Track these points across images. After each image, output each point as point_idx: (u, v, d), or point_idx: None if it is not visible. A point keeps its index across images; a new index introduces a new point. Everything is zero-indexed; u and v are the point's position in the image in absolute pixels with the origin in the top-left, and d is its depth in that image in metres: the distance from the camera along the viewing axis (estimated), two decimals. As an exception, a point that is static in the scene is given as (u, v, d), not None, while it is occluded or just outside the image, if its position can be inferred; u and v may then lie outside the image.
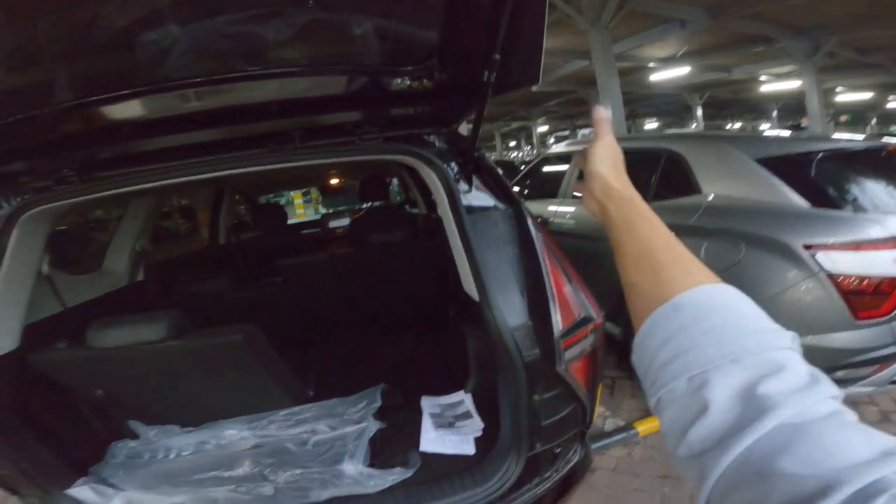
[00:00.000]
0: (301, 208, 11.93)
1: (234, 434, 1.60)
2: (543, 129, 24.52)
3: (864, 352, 1.89)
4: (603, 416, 2.53)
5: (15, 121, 1.09)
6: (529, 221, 1.33)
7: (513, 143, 34.03)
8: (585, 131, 23.04)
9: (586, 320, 1.26)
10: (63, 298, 1.75)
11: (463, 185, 1.35)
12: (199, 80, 1.11)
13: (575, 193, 0.57)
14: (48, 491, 1.32)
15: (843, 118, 22.89)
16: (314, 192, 8.59)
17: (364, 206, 4.58)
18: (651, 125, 25.81)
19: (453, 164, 1.36)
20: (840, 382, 1.94)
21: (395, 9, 1.09)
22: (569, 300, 1.26)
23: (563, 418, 1.30)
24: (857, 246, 1.87)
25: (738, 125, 25.91)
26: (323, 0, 1.01)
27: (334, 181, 5.17)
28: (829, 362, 1.92)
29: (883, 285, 1.85)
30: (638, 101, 18.59)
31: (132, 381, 1.56)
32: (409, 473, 1.39)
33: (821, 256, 1.89)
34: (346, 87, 1.25)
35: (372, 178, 3.67)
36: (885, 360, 1.91)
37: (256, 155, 1.35)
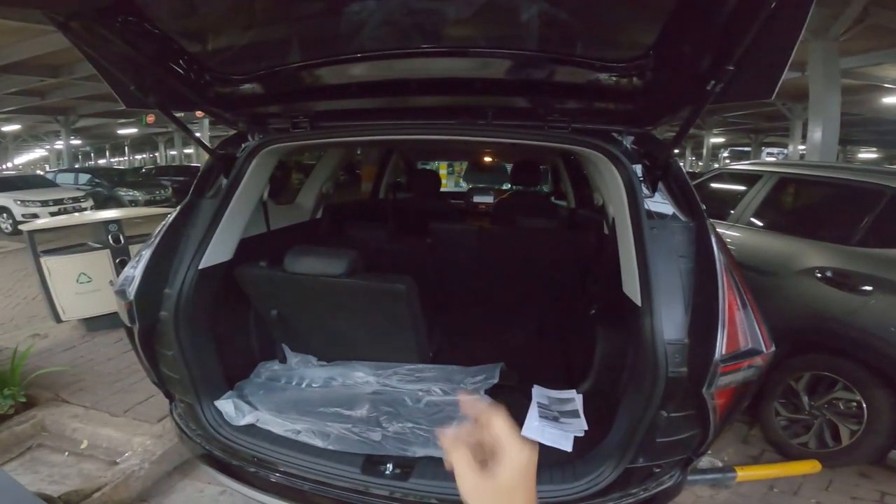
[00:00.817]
0: (445, 178, 12.58)
1: (361, 377, 1.75)
2: (718, 139, 21.50)
3: None
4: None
5: (266, 73, 1.34)
6: (714, 239, 1.24)
7: (675, 151, 30.63)
8: (772, 150, 19.65)
9: (753, 352, 1.19)
10: (270, 223, 2.07)
11: (646, 190, 1.31)
12: (408, 51, 1.21)
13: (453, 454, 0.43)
14: (201, 399, 1.51)
15: None
16: (458, 166, 8.89)
17: (506, 187, 4.60)
18: (867, 155, 20.85)
19: (642, 166, 1.33)
20: None
21: (615, 2, 1.06)
22: (738, 326, 1.18)
23: (678, 441, 1.27)
24: None
25: None
26: None
27: (488, 159, 5.28)
28: None
29: None
30: (854, 126, 15.09)
31: (302, 308, 1.76)
32: None
33: None
34: (547, 75, 1.27)
35: (526, 163, 3.66)
36: None
37: (450, 125, 1.43)
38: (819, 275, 2.26)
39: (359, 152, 4.74)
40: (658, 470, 1.31)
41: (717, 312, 1.15)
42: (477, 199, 4.32)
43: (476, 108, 1.41)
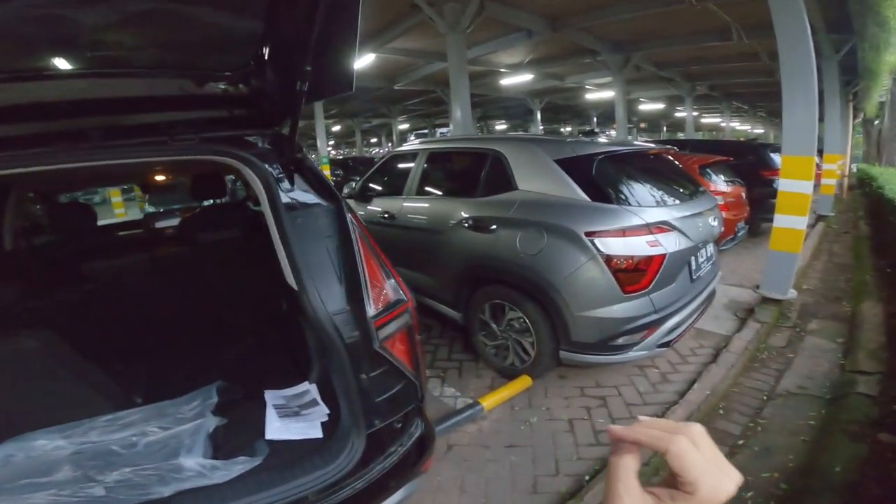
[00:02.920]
0: (121, 207, 10.22)
1: (46, 444, 1.42)
2: (404, 126, 24.94)
3: (633, 320, 2.37)
4: (454, 397, 2.75)
5: None
6: (349, 216, 1.41)
7: (374, 140, 34.05)
8: (444, 130, 24.15)
9: (398, 302, 1.40)
10: None
11: (286, 184, 1.39)
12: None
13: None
14: None
15: (643, 125, 28.12)
16: (137, 190, 7.41)
17: (200, 203, 4.12)
18: (501, 127, 28.19)
19: (276, 165, 1.39)
20: (623, 347, 2.42)
21: (217, 12, 1.11)
22: (380, 285, 1.37)
23: (395, 395, 1.40)
24: (623, 232, 2.32)
25: (568, 129, 29.82)
26: None
27: (160, 178, 4.51)
28: (612, 330, 2.36)
29: (641, 264, 2.32)
30: (489, 104, 20.11)
31: None
32: (256, 461, 1.37)
33: (597, 241, 2.29)
34: (161, 88, 1.26)
35: (205, 175, 3.32)
36: (650, 327, 2.42)
37: (49, 153, 1.23)
38: (466, 224, 2.91)
39: None
40: (400, 425, 1.43)
41: (359, 278, 1.31)
42: (159, 223, 3.69)
43: (80, 132, 1.28)
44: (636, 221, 2.35)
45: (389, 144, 28.15)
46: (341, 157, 20.56)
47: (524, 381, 2.74)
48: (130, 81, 1.22)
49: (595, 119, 25.59)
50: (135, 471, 1.33)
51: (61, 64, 1.12)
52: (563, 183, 2.55)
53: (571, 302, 2.38)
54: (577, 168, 2.60)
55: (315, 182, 1.46)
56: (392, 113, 19.91)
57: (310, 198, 1.43)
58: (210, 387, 1.69)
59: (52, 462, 1.37)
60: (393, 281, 1.43)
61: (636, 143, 3.57)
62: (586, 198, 2.47)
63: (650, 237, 2.34)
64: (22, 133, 1.26)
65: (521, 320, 2.65)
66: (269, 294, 2.21)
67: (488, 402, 2.58)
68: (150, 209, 6.16)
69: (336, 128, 24.49)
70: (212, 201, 3.83)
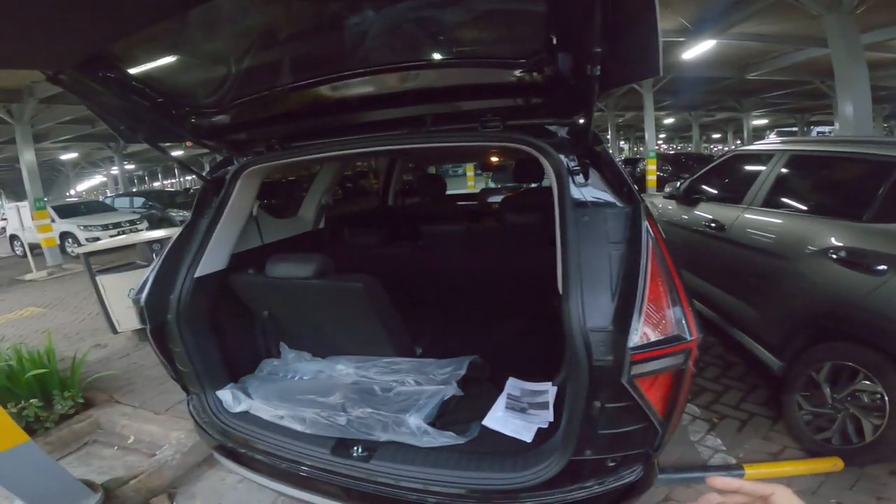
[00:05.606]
0: (472, 180, 12.91)
1: (342, 369, 1.90)
2: (760, 122, 20.33)
3: None
4: (714, 449, 2.29)
5: (244, 101, 1.53)
6: (645, 224, 1.23)
7: (717, 136, 29.29)
8: (822, 129, 18.33)
9: (676, 339, 1.15)
10: (263, 236, 2.24)
11: (579, 178, 1.32)
12: (359, 71, 1.35)
13: None
14: (205, 389, 1.73)
15: None
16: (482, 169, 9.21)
17: (524, 185, 4.67)
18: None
19: (572, 156, 1.34)
20: None
21: (511, 4, 1.15)
22: (661, 312, 1.15)
23: (625, 434, 1.24)
24: None
25: None
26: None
27: (494, 159, 5.40)
28: None
29: None
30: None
31: (286, 308, 1.94)
32: (460, 441, 1.47)
33: None
34: (470, 78, 1.35)
35: (525, 161, 3.73)
36: None
37: (396, 135, 1.56)
38: (834, 255, 2.16)
39: (363, 165, 5.03)
40: (612, 464, 1.29)
41: (635, 299, 1.13)
42: (490, 199, 4.43)
43: (419, 118, 1.52)
44: None
45: (738, 142, 23.67)
46: (672, 152, 18.78)
47: (831, 463, 2.04)
48: (450, 72, 1.33)
49: None
50: (374, 413, 1.56)
51: (410, 58, 1.32)
52: None
53: None
54: None
55: (612, 179, 1.33)
56: (743, 106, 16.60)
57: (603, 196, 1.30)
58: (465, 358, 1.81)
59: (336, 385, 1.77)
60: (679, 311, 1.17)
61: None
62: None
63: None
64: (381, 119, 1.59)
65: (878, 397, 1.96)
66: (550, 285, 2.27)
67: (756, 470, 2.03)
68: (491, 184, 7.46)
69: (669, 120, 22.39)
70: (533, 185, 4.25)
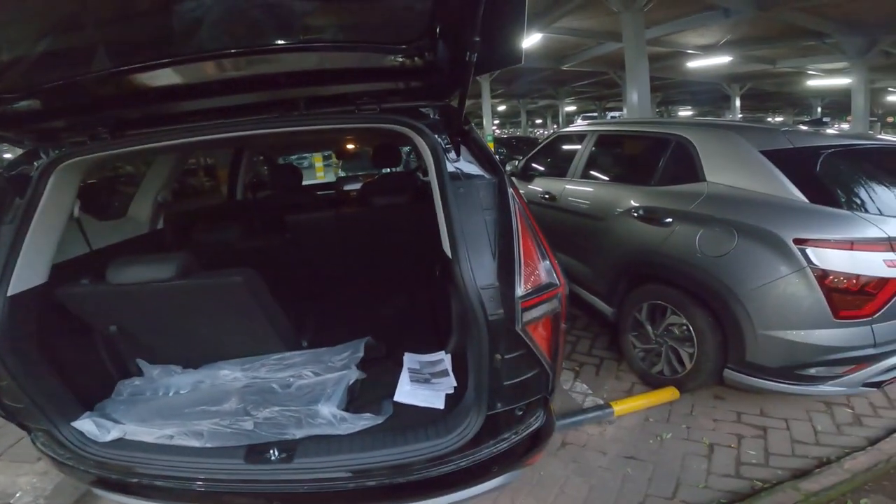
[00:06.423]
0: (321, 171, 12.18)
1: (228, 374, 1.74)
2: (572, 108, 23.91)
3: (840, 350, 1.91)
4: (584, 394, 2.61)
5: (58, 85, 1.23)
6: (510, 192, 1.39)
7: (539, 121, 33.47)
8: (615, 114, 22.40)
9: (549, 286, 1.33)
10: (90, 242, 1.90)
11: (452, 155, 1.42)
12: (217, 51, 1.21)
13: None
14: (56, 424, 1.46)
15: (891, 119, 21.66)
16: (335, 157, 8.82)
17: (379, 171, 4.69)
18: (685, 112, 24.87)
19: (444, 135, 1.43)
20: (814, 379, 1.99)
21: None
22: (534, 265, 1.32)
23: (525, 381, 1.36)
24: (851, 245, 1.86)
25: (779, 119, 24.79)
26: None
27: (350, 146, 5.28)
28: (806, 358, 1.95)
29: (869, 286, 1.84)
30: (672, 88, 17.89)
31: (143, 319, 1.68)
32: (378, 420, 1.49)
33: (810, 252, 1.89)
34: (350, 62, 1.35)
35: (384, 146, 3.75)
36: (861, 362, 1.92)
37: (265, 119, 1.46)
38: (635, 214, 2.69)
39: (203, 158, 4.44)
40: (521, 413, 1.40)
41: (513, 255, 1.28)
42: (347, 187, 4.35)
43: (291, 101, 1.45)
44: (873, 233, 1.85)
45: (555, 126, 27.41)
46: (505, 136, 20.74)
47: (670, 393, 2.47)
48: (327, 55, 1.32)
49: (820, 109, 20.73)
50: (282, 410, 1.51)
51: (275, 40, 1.25)
52: (771, 178, 2.14)
53: (756, 317, 2.02)
54: (793, 162, 2.14)
55: (480, 154, 1.46)
56: (559, 94, 19.27)
57: (473, 169, 1.42)
58: (360, 341, 1.82)
59: (226, 392, 1.65)
60: (548, 263, 1.36)
61: (882, 138, 2.79)
62: (802, 198, 2.03)
63: (891, 255, 1.83)
64: (247, 102, 1.48)
65: (684, 328, 2.36)
66: (426, 259, 2.32)
67: (621, 407, 2.39)
68: (342, 174, 7.27)
69: (501, 108, 24.81)
70: (389, 170, 4.30)
